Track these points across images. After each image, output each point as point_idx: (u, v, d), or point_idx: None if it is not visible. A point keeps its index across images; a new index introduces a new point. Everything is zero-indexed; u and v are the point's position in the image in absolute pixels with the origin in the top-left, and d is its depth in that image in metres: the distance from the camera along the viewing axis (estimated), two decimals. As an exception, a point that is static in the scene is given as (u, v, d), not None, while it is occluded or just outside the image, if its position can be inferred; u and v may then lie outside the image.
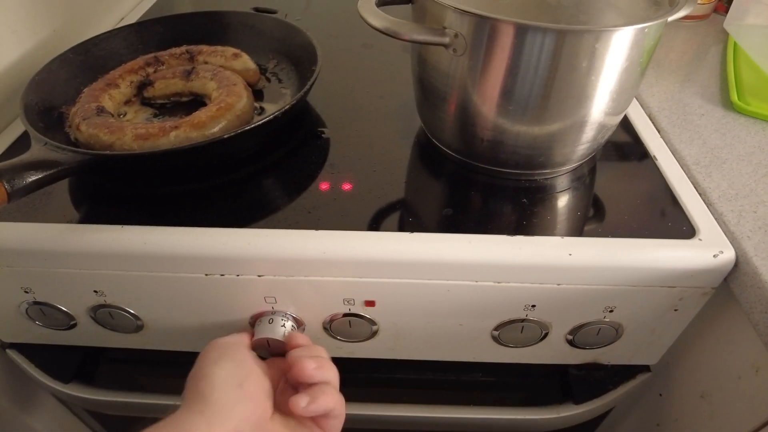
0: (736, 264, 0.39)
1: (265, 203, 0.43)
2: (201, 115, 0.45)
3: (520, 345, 0.46)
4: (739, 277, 0.39)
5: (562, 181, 0.46)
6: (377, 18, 0.37)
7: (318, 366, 0.36)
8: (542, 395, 0.52)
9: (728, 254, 0.39)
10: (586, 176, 0.46)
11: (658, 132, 0.51)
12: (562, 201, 0.44)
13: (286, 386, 0.39)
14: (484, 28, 0.35)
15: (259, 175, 0.46)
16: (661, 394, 0.52)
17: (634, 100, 0.55)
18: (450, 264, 0.39)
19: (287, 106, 0.43)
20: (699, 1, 0.69)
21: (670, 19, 0.36)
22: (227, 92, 0.47)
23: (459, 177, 0.46)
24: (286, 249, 0.39)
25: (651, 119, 0.53)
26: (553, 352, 0.47)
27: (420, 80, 0.44)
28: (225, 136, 0.41)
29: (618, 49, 0.36)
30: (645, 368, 0.51)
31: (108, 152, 0.42)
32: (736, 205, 0.43)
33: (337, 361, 0.48)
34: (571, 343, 0.46)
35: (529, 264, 0.39)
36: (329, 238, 0.39)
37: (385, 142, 0.50)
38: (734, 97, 0.54)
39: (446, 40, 0.37)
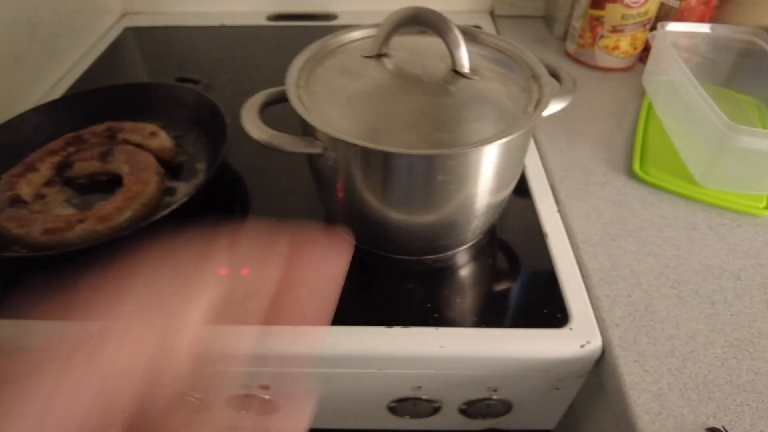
0: (603, 353, 0.42)
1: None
2: (107, 207, 0.47)
3: (417, 416, 0.49)
4: (603, 366, 0.42)
5: (454, 263, 0.48)
6: (259, 132, 0.39)
7: None
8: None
9: (595, 344, 0.41)
10: (477, 256, 0.49)
11: (557, 205, 0.53)
12: (446, 286, 0.46)
13: None
14: (341, 146, 0.37)
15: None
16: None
17: (540, 170, 0.57)
18: (330, 357, 0.41)
19: (175, 205, 0.45)
20: (621, 55, 0.71)
21: (519, 132, 0.38)
22: (136, 179, 0.50)
23: (354, 262, 0.47)
24: (175, 346, 0.41)
25: (552, 190, 0.55)
26: (450, 422, 0.50)
27: (312, 176, 0.46)
28: (121, 235, 0.43)
29: (482, 160, 0.38)
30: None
31: (7, 254, 0.45)
32: (613, 289, 0.45)
33: None
34: (465, 414, 0.48)
35: (402, 356, 0.41)
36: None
37: (293, 221, 0.52)
38: (635, 166, 0.56)
39: (318, 150, 0.39)
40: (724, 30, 0.65)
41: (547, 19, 0.85)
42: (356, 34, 0.47)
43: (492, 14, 0.89)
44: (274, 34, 0.83)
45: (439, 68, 0.41)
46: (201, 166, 0.56)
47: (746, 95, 0.66)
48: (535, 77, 0.43)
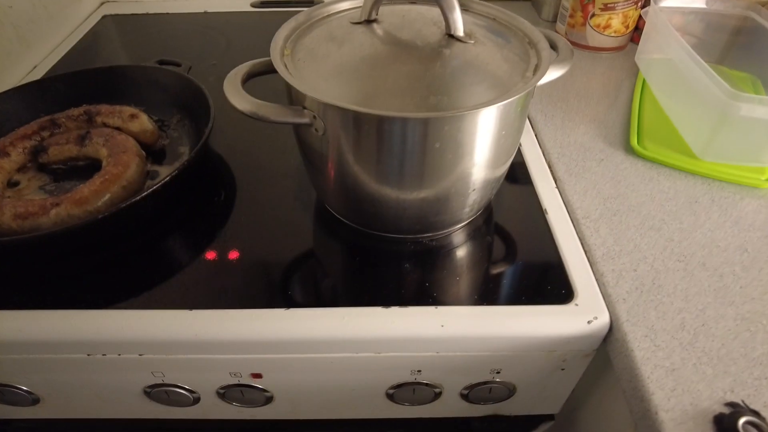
0: (611, 329, 0.40)
1: (147, 277, 0.43)
2: (84, 190, 0.44)
3: (416, 403, 0.47)
4: (612, 343, 0.40)
5: (451, 242, 0.46)
6: (243, 101, 0.37)
7: None
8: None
9: (602, 320, 0.40)
10: (475, 234, 0.47)
11: (555, 182, 0.51)
12: (444, 265, 0.44)
13: None
14: (331, 113, 0.35)
15: (148, 245, 0.46)
16: (565, 441, 0.53)
17: (536, 147, 0.55)
18: (325, 341, 0.39)
19: (156, 186, 0.42)
20: (613, 34, 0.70)
21: (520, 94, 0.36)
22: (115, 161, 0.47)
23: (348, 243, 0.46)
24: (158, 332, 0.39)
25: (550, 167, 0.53)
26: (451, 408, 0.47)
27: (301, 151, 0.43)
28: (99, 217, 0.41)
29: (480, 125, 0.36)
30: (549, 417, 0.51)
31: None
32: (617, 264, 0.43)
33: (243, 423, 0.49)
34: (466, 399, 0.46)
35: (402, 337, 0.39)
36: (201, 318, 0.39)
37: (282, 204, 0.50)
38: (633, 141, 0.55)
39: (307, 120, 0.37)
40: (718, 5, 0.63)
41: (536, 2, 0.84)
42: (344, 5, 0.45)
43: (481, -2, 0.88)
44: (259, 21, 0.81)
45: (432, 33, 0.39)
46: (184, 150, 0.53)
47: (739, 71, 0.65)
48: (532, 43, 0.41)
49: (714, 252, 0.44)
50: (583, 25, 0.70)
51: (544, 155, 0.55)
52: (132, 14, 0.83)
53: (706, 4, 0.63)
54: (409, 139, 0.35)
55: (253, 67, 0.41)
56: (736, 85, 0.64)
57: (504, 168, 0.44)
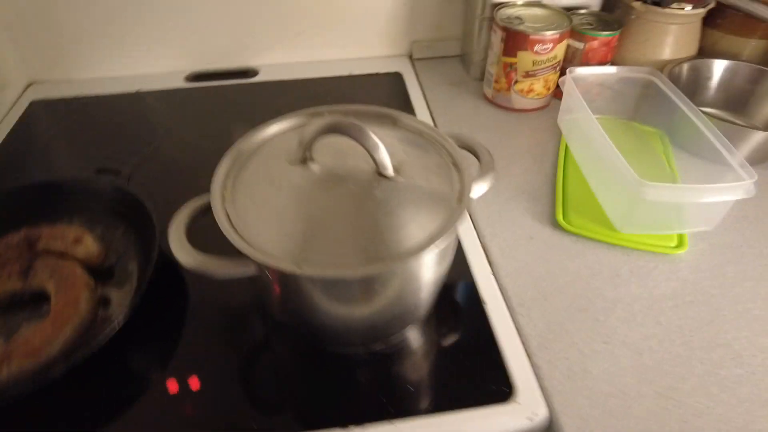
0: (550, 422, 0.44)
1: (107, 414, 0.44)
2: (34, 339, 0.44)
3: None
4: (550, 435, 0.44)
5: (402, 348, 0.48)
6: (188, 256, 0.39)
7: None
8: None
9: (541, 415, 0.44)
10: (423, 333, 0.50)
11: (490, 267, 0.55)
12: (396, 374, 0.46)
13: None
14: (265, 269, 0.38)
15: (103, 378, 0.46)
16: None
17: (472, 231, 0.59)
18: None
19: (110, 333, 0.43)
20: (536, 97, 0.74)
21: (450, 229, 0.39)
22: (64, 300, 0.47)
23: (303, 359, 0.48)
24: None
25: (485, 250, 0.57)
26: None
27: (252, 284, 0.45)
28: (56, 377, 0.41)
29: (417, 264, 0.39)
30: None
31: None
32: (550, 353, 0.48)
33: None
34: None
35: (361, 458, 0.42)
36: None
37: (236, 314, 0.51)
38: (559, 216, 0.59)
39: (252, 271, 0.39)
40: (625, 71, 0.69)
41: (464, 60, 0.88)
42: (273, 129, 0.48)
43: (410, 57, 0.91)
44: (195, 97, 0.81)
45: (364, 170, 0.42)
46: (133, 267, 0.54)
47: (650, 126, 0.72)
48: (455, 165, 0.44)
49: (633, 328, 0.50)
50: (508, 90, 0.74)
51: (478, 238, 0.58)
52: (61, 98, 0.81)
53: (613, 71, 0.69)
54: (349, 289, 0.38)
55: (196, 210, 0.42)
56: (647, 141, 0.70)
57: (446, 265, 0.47)
